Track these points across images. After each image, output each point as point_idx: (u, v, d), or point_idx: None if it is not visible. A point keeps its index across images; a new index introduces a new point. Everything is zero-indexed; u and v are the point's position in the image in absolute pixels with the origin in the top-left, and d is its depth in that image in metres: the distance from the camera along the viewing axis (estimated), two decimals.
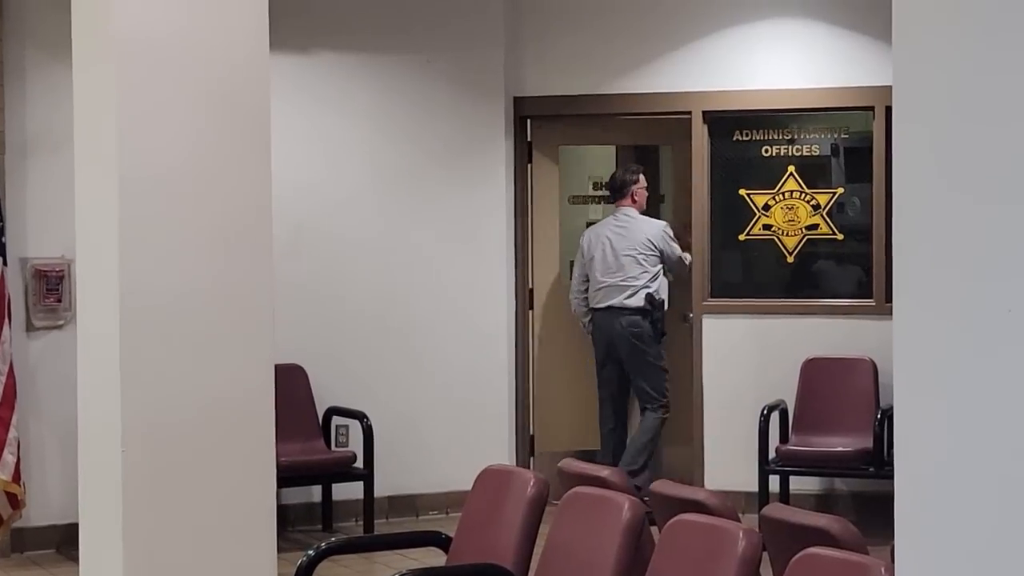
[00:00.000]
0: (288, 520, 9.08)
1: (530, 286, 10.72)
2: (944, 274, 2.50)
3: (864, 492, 9.16)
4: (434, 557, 6.27)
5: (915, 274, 2.58)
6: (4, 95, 9.15)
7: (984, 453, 2.39)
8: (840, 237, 10.29)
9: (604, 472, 6.05)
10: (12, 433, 8.54)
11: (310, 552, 6.02)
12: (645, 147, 11.22)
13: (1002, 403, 2.33)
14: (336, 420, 9.68)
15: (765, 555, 4.75)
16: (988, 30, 2.38)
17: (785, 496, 9.38)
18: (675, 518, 5.19)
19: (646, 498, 6.35)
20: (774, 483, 9.51)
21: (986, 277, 2.39)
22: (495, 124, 10.55)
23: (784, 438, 9.54)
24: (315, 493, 9.59)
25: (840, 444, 9.34)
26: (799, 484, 9.56)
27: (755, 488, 9.35)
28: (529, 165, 10.72)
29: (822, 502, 9.40)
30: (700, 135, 10.29)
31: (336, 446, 9.62)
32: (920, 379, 2.57)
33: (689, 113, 10.29)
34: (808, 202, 10.09)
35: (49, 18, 8.70)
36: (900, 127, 2.63)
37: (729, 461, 9.92)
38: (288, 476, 8.47)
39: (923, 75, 2.59)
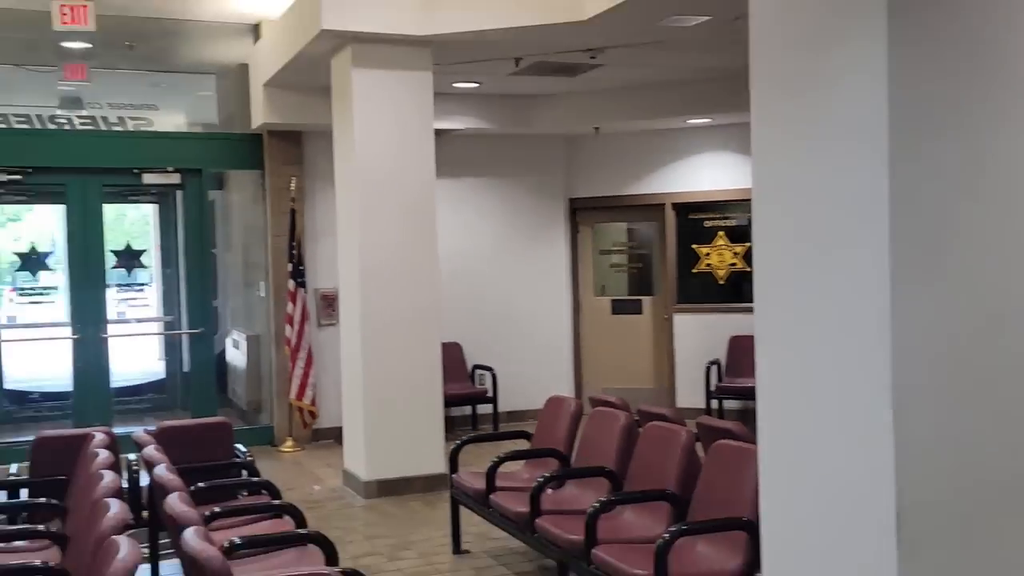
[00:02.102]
0: (454, 424, 9.42)
1: (579, 299, 11.28)
2: (781, 303, 2.99)
3: None
4: (525, 444, 6.40)
5: (767, 299, 3.09)
6: (304, 206, 9.68)
7: (798, 401, 2.87)
8: (749, 269, 10.07)
9: (612, 400, 6.06)
10: (311, 380, 9.39)
11: (458, 441, 6.44)
12: (643, 224, 11.18)
13: (805, 380, 2.82)
14: (478, 371, 10.28)
15: (699, 445, 5.04)
16: (803, 144, 2.83)
17: (721, 412, 9.95)
18: (595, 409, 5.88)
19: None
20: (715, 404, 10.10)
21: (805, 310, 2.83)
22: (559, 213, 11.15)
23: (720, 379, 10.20)
24: (467, 410, 10.18)
25: (751, 382, 9.45)
26: (729, 405, 10.10)
27: (703, 406, 10.01)
28: (577, 234, 11.30)
29: (741, 415, 9.26)
30: (670, 216, 10.89)
31: (477, 385, 10.22)
32: (771, 367, 3.12)
33: (664, 205, 10.88)
34: (731, 251, 10.66)
35: (325, 161, 8.87)
36: (757, 207, 3.03)
37: (691, 393, 10.43)
38: (452, 401, 9.11)
39: (773, 178, 2.96)
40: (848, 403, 2.67)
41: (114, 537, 3.28)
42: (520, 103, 10.43)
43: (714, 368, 10.31)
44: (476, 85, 9.58)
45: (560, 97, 10.31)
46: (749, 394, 8.88)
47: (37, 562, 4.14)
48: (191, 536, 3.35)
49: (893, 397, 2.51)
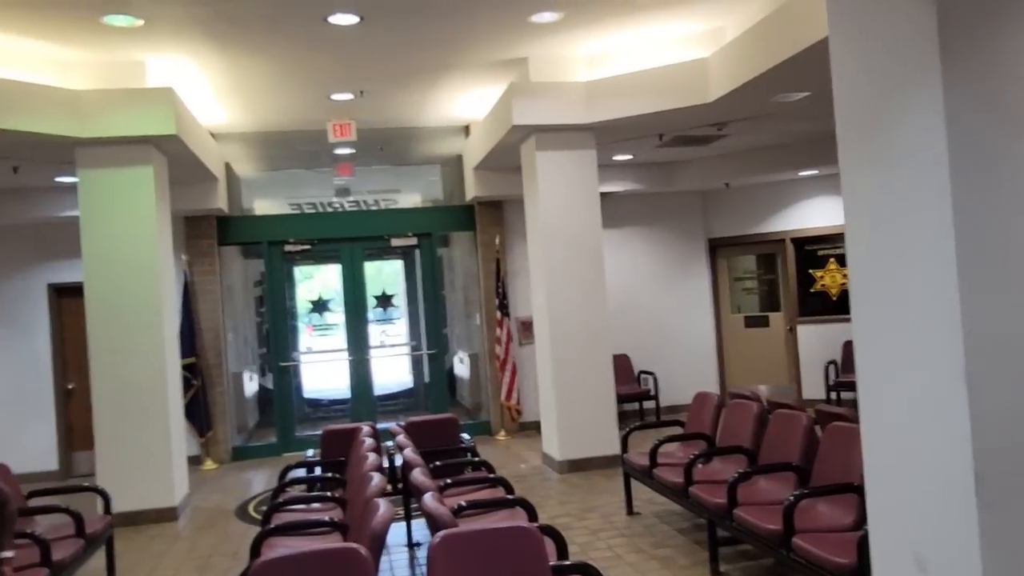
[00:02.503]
0: (625, 417, 9.21)
1: (719, 316, 10.94)
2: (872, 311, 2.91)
3: None
4: (679, 430, 6.30)
5: (861, 308, 2.84)
6: (505, 255, 9.70)
7: (897, 391, 2.60)
8: None
9: (747, 393, 5.89)
10: (516, 386, 9.38)
11: (627, 428, 6.51)
12: (768, 255, 10.81)
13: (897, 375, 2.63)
14: (642, 375, 10.16)
15: (818, 428, 4.73)
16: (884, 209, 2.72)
17: (840, 401, 9.43)
18: (733, 401, 5.71)
19: None
20: (834, 396, 9.67)
21: (889, 316, 2.69)
22: (700, 250, 10.94)
23: (837, 375, 9.77)
24: (635, 406, 9.93)
25: None
26: (845, 396, 9.51)
27: (824, 398, 9.68)
28: (715, 265, 11.02)
29: (855, 404, 8.54)
30: (790, 248, 10.54)
31: (641, 386, 10.06)
32: (867, 362, 2.85)
33: (784, 240, 10.57)
34: (841, 273, 10.11)
35: (519, 221, 9.39)
36: (850, 236, 2.91)
37: (814, 388, 10.03)
38: (623, 399, 9.16)
39: (860, 212, 2.76)
40: (931, 388, 2.51)
41: (376, 499, 3.49)
42: (665, 168, 10.29)
43: (832, 367, 9.88)
44: (630, 157, 9.48)
45: (696, 161, 10.12)
46: None
47: (327, 518, 4.40)
48: (429, 499, 3.49)
49: (967, 382, 2.34)
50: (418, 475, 3.98)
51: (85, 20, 5.75)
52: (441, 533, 2.87)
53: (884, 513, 2.80)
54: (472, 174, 9.56)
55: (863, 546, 3.21)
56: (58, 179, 8.05)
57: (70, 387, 9.19)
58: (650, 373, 10.12)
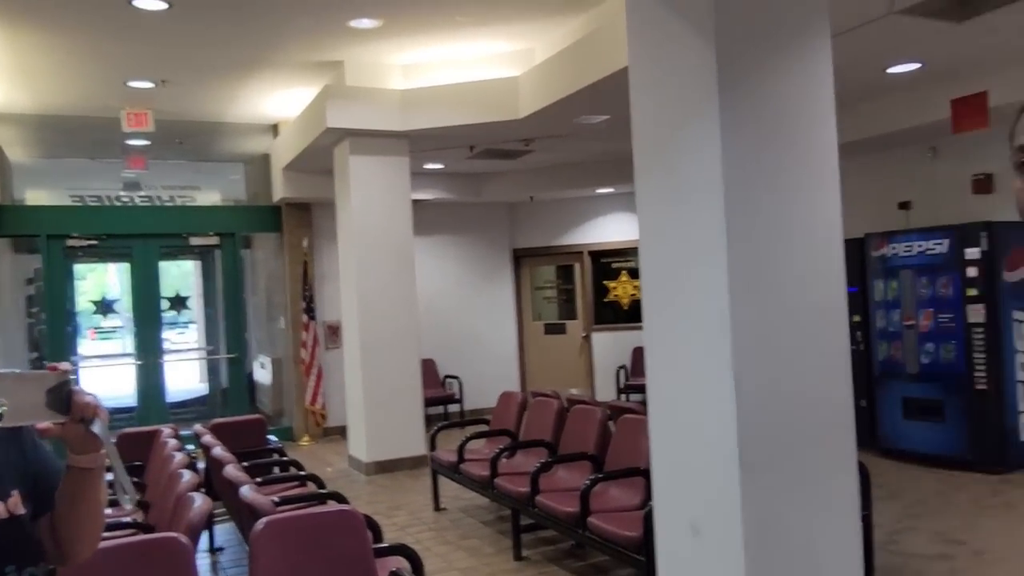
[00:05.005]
0: (431, 421, 8.79)
1: (521, 323, 11.33)
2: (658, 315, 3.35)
3: None
4: (486, 428, 6.50)
5: (651, 310, 3.41)
6: (313, 261, 9.60)
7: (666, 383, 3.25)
8: None
9: (548, 392, 6.24)
10: (322, 390, 9.35)
11: (435, 428, 6.68)
12: (567, 266, 11.25)
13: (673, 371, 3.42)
14: (448, 380, 10.43)
15: (612, 424, 5.10)
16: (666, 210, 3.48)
17: (628, 402, 9.20)
18: (536, 399, 6.34)
19: None
20: (624, 398, 10.14)
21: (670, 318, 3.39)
22: (505, 259, 11.35)
23: (627, 379, 10.39)
24: (439, 410, 9.94)
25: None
26: (634, 397, 9.84)
27: (616, 399, 10.08)
28: (519, 274, 11.42)
29: (643, 404, 9.31)
30: (587, 261, 11.12)
31: (447, 390, 10.34)
32: (654, 357, 3.47)
33: (582, 252, 11.12)
34: (632, 285, 10.79)
35: (329, 225, 9.14)
36: (642, 246, 3.44)
37: (606, 390, 10.60)
38: (429, 402, 9.05)
39: (650, 226, 3.58)
40: (703, 377, 2.90)
41: (190, 493, 3.51)
42: (474, 179, 10.58)
43: (622, 371, 10.56)
44: (441, 166, 9.65)
45: (504, 174, 10.46)
46: (645, 389, 9.35)
47: (128, 519, 4.27)
48: (247, 490, 3.56)
49: (733, 370, 2.77)
50: (231, 470, 4.01)
51: None
52: (265, 519, 2.96)
53: (666, 489, 3.21)
54: (280, 174, 9.45)
55: (648, 520, 3.61)
56: None
57: None
58: (455, 377, 10.38)
